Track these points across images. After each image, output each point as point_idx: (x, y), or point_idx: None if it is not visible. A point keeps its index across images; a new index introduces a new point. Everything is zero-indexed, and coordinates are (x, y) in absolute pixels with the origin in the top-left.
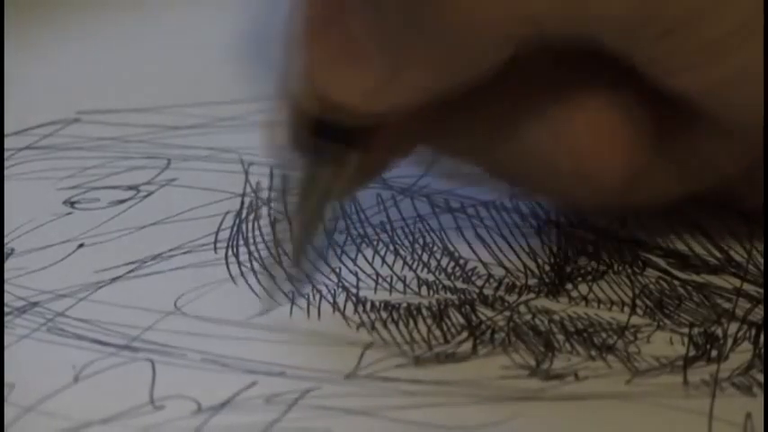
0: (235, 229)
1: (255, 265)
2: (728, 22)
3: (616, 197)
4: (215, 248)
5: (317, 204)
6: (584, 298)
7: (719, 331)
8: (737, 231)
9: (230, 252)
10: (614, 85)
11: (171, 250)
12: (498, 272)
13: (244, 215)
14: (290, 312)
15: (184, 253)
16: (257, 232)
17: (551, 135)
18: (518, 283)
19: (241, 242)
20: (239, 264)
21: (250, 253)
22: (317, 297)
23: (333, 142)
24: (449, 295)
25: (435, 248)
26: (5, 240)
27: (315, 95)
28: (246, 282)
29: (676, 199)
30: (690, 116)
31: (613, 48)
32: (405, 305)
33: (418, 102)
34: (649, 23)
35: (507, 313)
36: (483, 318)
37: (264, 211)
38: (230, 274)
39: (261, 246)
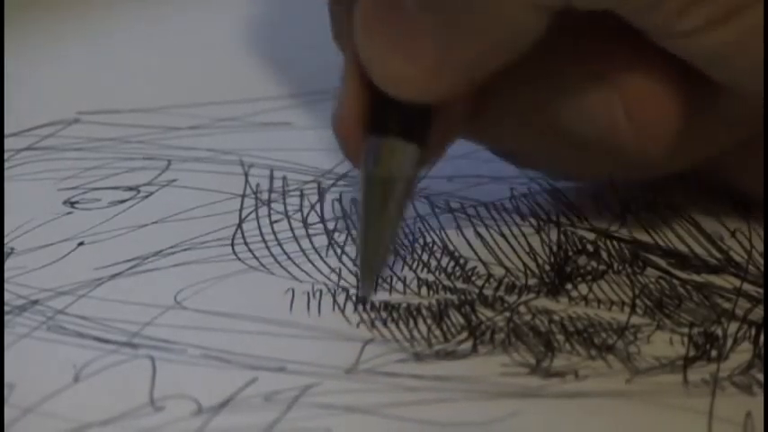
0: (236, 227)
1: (256, 262)
2: None
3: (667, 155)
4: (216, 246)
5: (385, 207)
6: (584, 298)
7: (719, 331)
8: (737, 228)
9: (231, 249)
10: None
11: (171, 247)
12: (498, 271)
13: (244, 215)
14: (291, 307)
15: (185, 250)
16: (258, 231)
17: (608, 98)
18: (518, 283)
19: (242, 240)
20: (240, 261)
21: (251, 250)
22: (317, 294)
23: (389, 137)
24: (449, 295)
25: (435, 248)
26: (5, 240)
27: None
28: (247, 277)
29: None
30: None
31: (629, 17)
32: (404, 305)
33: (469, 80)
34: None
35: (507, 314)
36: (483, 318)
37: (265, 210)
38: (231, 271)
39: (260, 244)
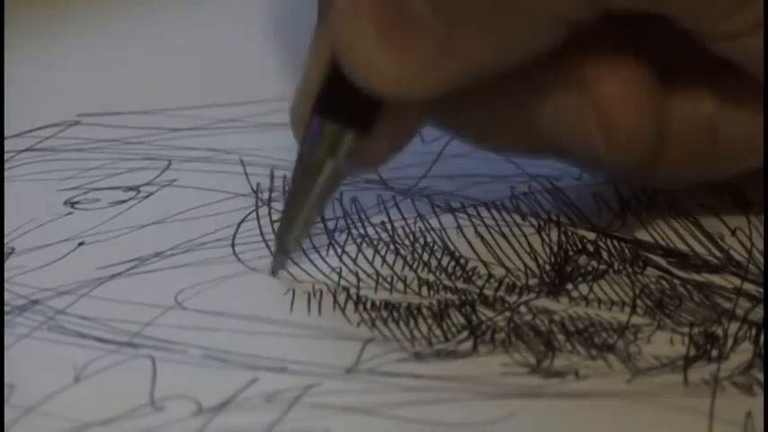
0: (236, 227)
1: (257, 262)
2: None
3: (645, 159)
4: (216, 246)
5: (312, 187)
6: (585, 298)
7: (720, 331)
8: (737, 226)
9: (232, 249)
10: (624, 43)
11: (172, 248)
12: (499, 272)
13: (245, 214)
14: (291, 307)
15: (185, 250)
16: (258, 230)
17: (579, 98)
18: (518, 283)
19: (242, 240)
20: (241, 261)
21: (251, 250)
22: (318, 294)
23: (331, 121)
24: (449, 295)
25: (436, 248)
26: (6, 240)
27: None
28: (248, 278)
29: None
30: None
31: (677, 19)
32: (405, 305)
33: (460, 84)
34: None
35: (508, 314)
36: (483, 318)
37: (265, 210)
38: (232, 271)
39: (261, 244)
